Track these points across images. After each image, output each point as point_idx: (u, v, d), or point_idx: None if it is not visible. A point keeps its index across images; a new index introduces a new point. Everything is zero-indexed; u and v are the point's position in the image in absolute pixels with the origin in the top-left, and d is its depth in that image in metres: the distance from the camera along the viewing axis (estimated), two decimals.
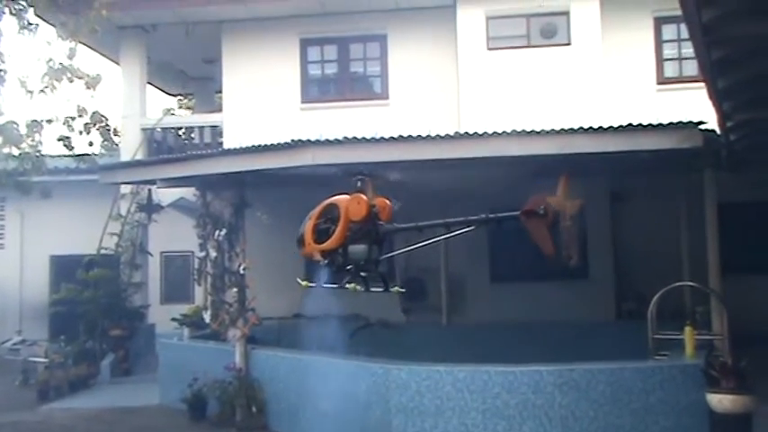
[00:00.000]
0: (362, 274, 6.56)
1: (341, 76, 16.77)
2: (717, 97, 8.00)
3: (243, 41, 16.73)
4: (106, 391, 14.44)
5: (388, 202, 6.51)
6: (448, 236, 6.80)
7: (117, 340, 15.68)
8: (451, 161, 10.19)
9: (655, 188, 12.89)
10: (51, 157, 19.13)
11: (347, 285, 6.56)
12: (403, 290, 7.09)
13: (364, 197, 6.42)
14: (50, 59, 15.99)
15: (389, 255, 6.82)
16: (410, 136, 10.15)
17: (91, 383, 14.88)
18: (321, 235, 6.64)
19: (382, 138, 10.20)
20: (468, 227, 6.61)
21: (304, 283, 7.28)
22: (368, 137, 10.29)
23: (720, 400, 8.25)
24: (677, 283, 10.69)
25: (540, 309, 13.73)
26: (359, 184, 6.56)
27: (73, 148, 18.71)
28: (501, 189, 11.87)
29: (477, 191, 11.04)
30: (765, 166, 12.45)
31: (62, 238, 18.46)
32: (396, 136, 10.20)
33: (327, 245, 6.57)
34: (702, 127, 9.22)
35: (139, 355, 16.02)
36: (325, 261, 6.69)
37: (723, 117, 8.96)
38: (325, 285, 6.98)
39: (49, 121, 17.24)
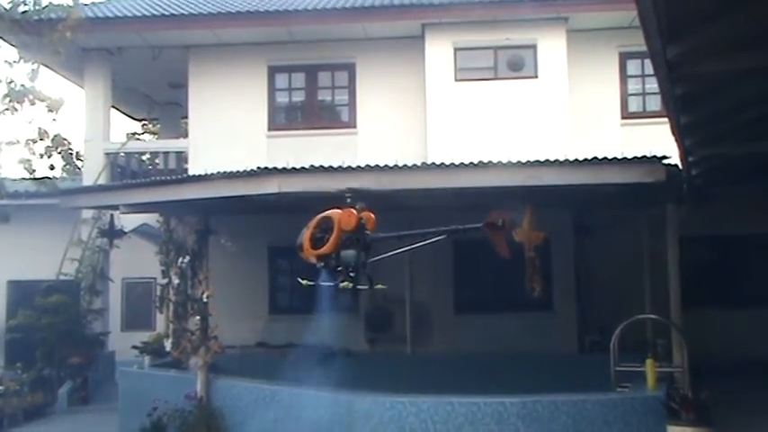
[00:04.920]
0: (351, 274, 7.59)
1: (309, 104, 16.78)
2: (679, 133, 8.15)
3: (210, 67, 16.68)
4: (63, 420, 14.13)
5: (373, 215, 7.60)
6: (422, 243, 8.04)
7: (75, 368, 15.39)
8: (417, 191, 10.21)
9: (618, 221, 13.03)
10: (11, 180, 18.85)
11: (340, 284, 7.61)
12: (385, 286, 8.02)
13: (354, 211, 7.49)
14: (12, 81, 15.80)
15: (377, 258, 7.80)
16: (377, 165, 10.16)
17: (47, 412, 14.58)
18: (317, 242, 7.73)
19: (349, 167, 10.20)
20: (440, 236, 7.78)
21: (304, 282, 8.21)
22: (335, 166, 10.28)
23: None
24: (639, 316, 10.80)
25: (503, 340, 13.72)
26: (349, 200, 7.78)
27: (34, 171, 18.52)
28: (468, 220, 11.96)
29: (445, 221, 11.10)
30: (724, 200, 12.70)
31: (21, 264, 18.10)
32: (362, 165, 10.21)
33: (323, 250, 7.64)
34: (665, 162, 9.35)
35: (98, 383, 15.73)
36: (321, 264, 7.76)
37: (685, 152, 9.13)
38: (322, 284, 7.99)
39: (10, 144, 17.04)
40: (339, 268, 7.64)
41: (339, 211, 7.62)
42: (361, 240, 7.54)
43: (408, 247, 8.27)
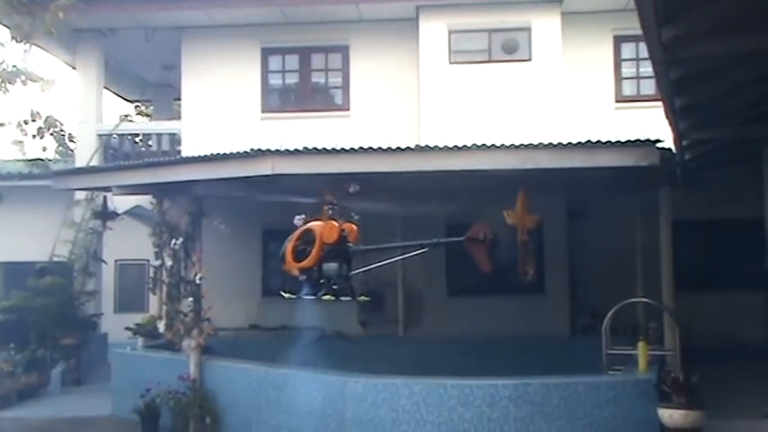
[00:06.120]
0: (334, 286, 7.74)
1: (302, 87, 16.70)
2: (673, 116, 8.15)
3: (203, 48, 16.57)
4: (56, 400, 14.14)
5: (355, 227, 7.75)
6: (404, 256, 8.47)
7: (68, 349, 15.37)
8: (411, 174, 10.20)
9: (611, 205, 13.05)
10: (4, 161, 18.77)
11: (323, 297, 7.73)
12: (368, 298, 8.12)
13: (336, 223, 7.59)
14: (3, 61, 15.68)
15: (359, 271, 7.96)
16: (370, 148, 10.14)
17: (41, 393, 14.57)
18: (299, 255, 7.81)
19: (342, 149, 10.17)
20: (421, 249, 8.10)
21: (287, 294, 8.31)
22: (328, 148, 10.26)
23: (671, 415, 8.37)
24: (631, 300, 10.83)
25: (496, 323, 13.79)
26: (331, 212, 7.79)
27: (26, 152, 18.41)
28: (460, 202, 11.98)
29: (438, 204, 11.17)
30: (717, 184, 12.74)
31: (13, 245, 18.06)
32: (356, 148, 10.18)
33: (305, 263, 7.74)
34: (659, 145, 9.36)
35: (91, 364, 15.75)
36: (304, 276, 7.85)
37: (679, 136, 9.13)
38: (304, 297, 8.04)
39: (2, 125, 16.92)
40: (321, 281, 7.75)
41: (321, 223, 7.73)
42: (344, 253, 7.66)
43: (391, 260, 8.52)
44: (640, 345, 9.53)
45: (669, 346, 10.13)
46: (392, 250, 8.55)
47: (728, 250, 14.81)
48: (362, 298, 8.00)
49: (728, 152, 10.65)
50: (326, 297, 7.79)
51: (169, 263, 12.27)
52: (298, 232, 7.97)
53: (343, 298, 7.90)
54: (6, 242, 18.24)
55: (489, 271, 7.86)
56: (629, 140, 9.53)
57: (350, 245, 7.72)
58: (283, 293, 8.47)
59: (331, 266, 7.71)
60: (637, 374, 9.28)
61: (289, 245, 8.01)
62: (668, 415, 8.38)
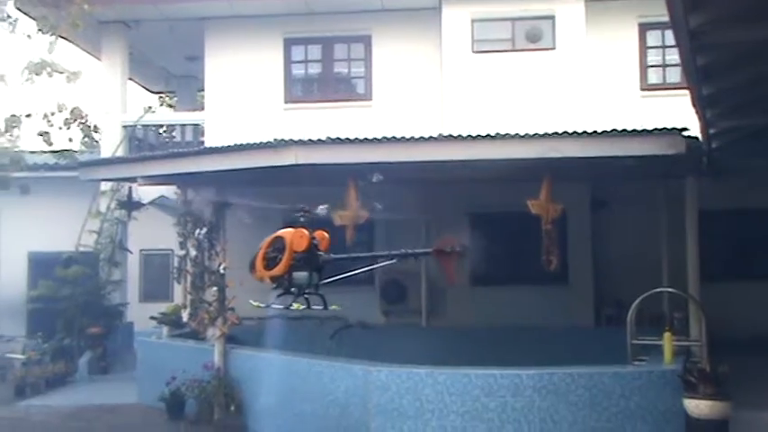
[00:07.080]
0: (305, 296, 7.70)
1: (325, 77, 16.71)
2: (700, 104, 8.05)
3: (226, 39, 16.63)
4: (84, 388, 14.31)
5: (326, 234, 7.68)
6: (374, 266, 8.62)
7: (95, 338, 15.54)
8: (434, 163, 10.17)
9: (636, 195, 12.95)
10: (30, 152, 18.96)
11: (292, 306, 7.75)
12: (339, 307, 8.05)
13: (306, 232, 7.50)
14: (30, 53, 15.82)
15: (329, 280, 7.81)
16: (393, 137, 10.12)
17: (68, 381, 14.76)
18: (270, 263, 7.71)
19: (366, 139, 10.17)
20: (390, 260, 8.20)
21: (256, 304, 8.35)
22: (351, 138, 10.25)
23: (698, 406, 8.30)
24: (656, 290, 10.75)
25: (519, 313, 13.73)
26: (302, 219, 7.68)
27: (52, 143, 18.56)
28: (484, 192, 11.95)
29: (461, 193, 11.16)
30: (745, 173, 12.57)
31: (41, 235, 18.26)
32: (379, 137, 10.17)
33: (275, 272, 7.64)
34: (686, 134, 9.25)
35: (117, 353, 15.91)
36: (274, 285, 7.75)
37: (706, 124, 9.03)
38: (274, 306, 8.16)
39: (29, 116, 17.07)
40: (292, 289, 7.70)
41: (291, 231, 7.65)
42: (314, 261, 7.57)
43: (362, 269, 8.53)
44: (666, 335, 9.46)
45: (695, 336, 10.04)
46: (362, 260, 8.65)
47: (756, 240, 14.65)
48: (334, 307, 7.91)
49: (756, 140, 10.51)
50: (296, 306, 7.77)
51: (193, 253, 12.34)
52: (268, 240, 7.88)
53: (314, 307, 7.82)
54: (33, 232, 18.44)
55: (454, 283, 8.14)
56: (655, 129, 9.43)
57: (320, 254, 7.61)
58: (252, 302, 8.48)
59: (301, 275, 7.61)
60: (662, 365, 9.20)
61: (259, 253, 7.88)
62: (694, 405, 8.31)
